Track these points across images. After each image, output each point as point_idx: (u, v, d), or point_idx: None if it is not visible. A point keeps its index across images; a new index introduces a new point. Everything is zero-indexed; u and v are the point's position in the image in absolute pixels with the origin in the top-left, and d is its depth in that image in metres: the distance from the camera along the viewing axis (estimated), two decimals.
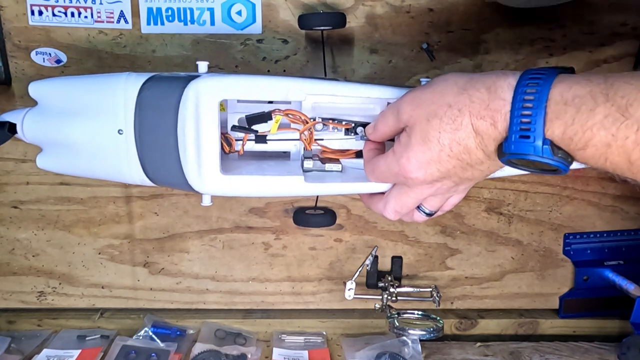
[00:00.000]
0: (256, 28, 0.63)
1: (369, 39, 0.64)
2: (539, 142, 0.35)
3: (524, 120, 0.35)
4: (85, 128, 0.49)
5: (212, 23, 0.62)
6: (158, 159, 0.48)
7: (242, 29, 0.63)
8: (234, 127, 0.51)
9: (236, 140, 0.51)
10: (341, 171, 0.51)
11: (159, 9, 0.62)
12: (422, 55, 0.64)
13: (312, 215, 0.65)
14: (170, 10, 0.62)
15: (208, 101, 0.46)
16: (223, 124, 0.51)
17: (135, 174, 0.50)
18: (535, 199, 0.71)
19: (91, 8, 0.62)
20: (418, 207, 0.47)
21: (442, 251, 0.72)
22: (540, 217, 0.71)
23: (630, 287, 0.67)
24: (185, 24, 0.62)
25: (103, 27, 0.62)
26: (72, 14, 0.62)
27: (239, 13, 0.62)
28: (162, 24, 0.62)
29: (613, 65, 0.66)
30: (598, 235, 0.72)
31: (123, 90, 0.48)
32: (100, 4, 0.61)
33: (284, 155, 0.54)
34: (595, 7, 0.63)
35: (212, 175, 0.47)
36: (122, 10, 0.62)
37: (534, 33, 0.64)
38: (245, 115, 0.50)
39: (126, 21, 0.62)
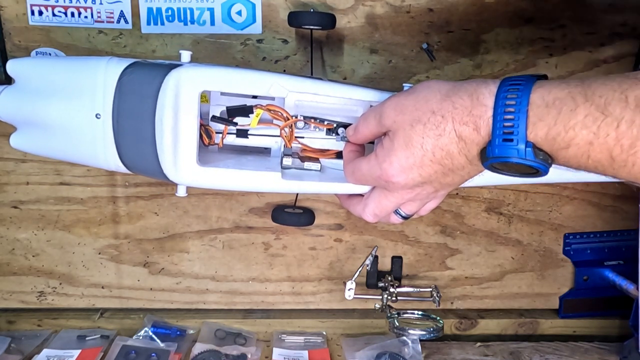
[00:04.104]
0: (256, 28, 0.63)
1: (369, 39, 0.64)
2: (522, 145, 0.36)
3: (507, 124, 0.36)
4: (62, 110, 0.48)
5: (212, 23, 0.62)
6: (134, 146, 0.48)
7: (242, 29, 0.63)
8: (213, 118, 0.50)
9: (216, 132, 0.51)
10: (320, 170, 0.51)
11: (159, 9, 0.62)
12: (422, 55, 0.64)
13: (289, 214, 0.65)
14: (170, 10, 0.62)
15: (188, 91, 0.45)
16: (205, 116, 0.51)
17: (110, 160, 0.49)
18: (535, 199, 0.71)
19: (91, 8, 0.62)
20: (395, 211, 0.48)
21: (442, 251, 0.72)
22: (540, 217, 0.71)
23: (630, 287, 0.67)
24: (185, 24, 0.62)
25: (103, 27, 0.62)
26: (72, 14, 0.62)
27: (239, 13, 0.62)
28: (162, 24, 0.62)
29: (613, 65, 0.66)
30: (598, 235, 0.72)
31: (103, 75, 0.47)
32: (100, 4, 0.61)
33: (265, 152, 0.54)
34: (595, 7, 0.63)
35: (188, 166, 0.47)
36: (122, 10, 0.62)
37: (534, 33, 0.64)
38: (226, 107, 0.50)
39: (126, 21, 0.62)
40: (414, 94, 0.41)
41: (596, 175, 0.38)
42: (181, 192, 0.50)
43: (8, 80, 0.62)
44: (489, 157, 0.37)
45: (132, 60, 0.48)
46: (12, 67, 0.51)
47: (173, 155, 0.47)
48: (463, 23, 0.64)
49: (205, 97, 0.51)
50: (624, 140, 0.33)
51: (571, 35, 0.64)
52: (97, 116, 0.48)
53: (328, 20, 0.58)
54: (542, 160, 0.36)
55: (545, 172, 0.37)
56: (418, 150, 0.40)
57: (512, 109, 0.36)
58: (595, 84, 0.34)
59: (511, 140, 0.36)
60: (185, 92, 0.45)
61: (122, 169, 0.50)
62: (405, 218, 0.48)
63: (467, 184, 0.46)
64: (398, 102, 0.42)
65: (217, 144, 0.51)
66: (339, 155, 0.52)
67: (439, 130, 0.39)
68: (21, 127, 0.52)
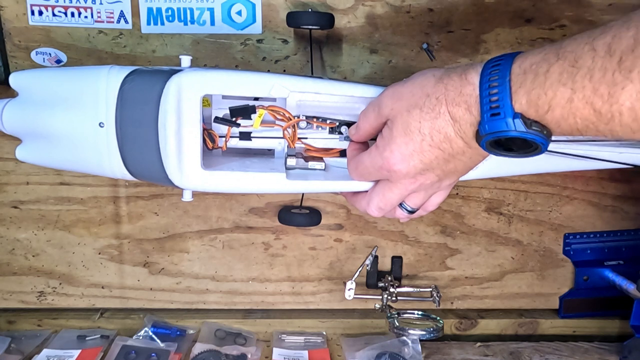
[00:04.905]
0: (256, 28, 0.63)
1: (369, 39, 0.64)
2: (510, 118, 0.36)
3: (493, 98, 0.36)
4: (65, 120, 0.49)
5: (212, 23, 0.62)
6: (139, 153, 0.48)
7: (242, 29, 0.63)
8: (216, 119, 0.51)
9: (220, 136, 0.51)
10: (324, 169, 0.51)
11: (159, 9, 0.62)
12: (422, 55, 0.64)
13: (297, 215, 0.65)
14: (170, 10, 0.62)
15: (190, 95, 0.46)
16: (207, 120, 0.51)
17: (115, 168, 0.50)
18: (535, 199, 0.71)
19: (91, 8, 0.62)
20: (400, 204, 0.47)
21: (442, 251, 0.72)
22: (540, 217, 0.71)
23: (630, 287, 0.67)
24: (185, 24, 0.62)
25: (103, 27, 0.62)
26: (72, 14, 0.62)
27: (239, 13, 0.62)
28: (162, 24, 0.62)
29: None
30: (598, 235, 0.72)
31: (105, 83, 0.48)
32: (100, 4, 0.61)
33: (269, 153, 0.54)
34: (595, 7, 0.63)
35: (193, 170, 0.47)
36: (122, 10, 0.62)
37: (534, 33, 0.64)
38: (229, 107, 0.50)
39: (126, 21, 0.62)
40: (409, 81, 0.42)
41: (595, 162, 0.37)
42: (187, 197, 0.50)
43: (8, 80, 0.62)
44: (482, 136, 0.37)
45: (133, 68, 0.49)
46: (15, 80, 0.51)
47: (177, 160, 0.47)
48: (463, 23, 0.64)
49: (207, 101, 0.51)
50: (601, 89, 0.32)
51: (571, 35, 0.64)
52: (101, 125, 0.48)
53: (326, 20, 0.58)
54: (536, 132, 0.36)
55: (545, 145, 0.36)
56: (416, 135, 0.40)
57: (495, 83, 0.36)
58: (567, 41, 0.35)
59: (498, 114, 0.36)
60: (187, 96, 0.46)
61: (128, 176, 0.51)
62: (411, 212, 0.48)
63: (472, 175, 0.46)
64: (395, 91, 0.43)
65: (221, 147, 0.51)
66: (342, 153, 0.52)
67: (435, 113, 0.39)
68: (26, 139, 0.52)
